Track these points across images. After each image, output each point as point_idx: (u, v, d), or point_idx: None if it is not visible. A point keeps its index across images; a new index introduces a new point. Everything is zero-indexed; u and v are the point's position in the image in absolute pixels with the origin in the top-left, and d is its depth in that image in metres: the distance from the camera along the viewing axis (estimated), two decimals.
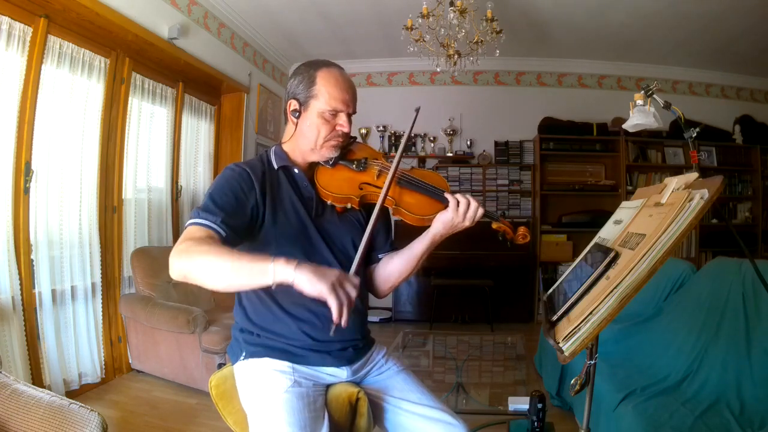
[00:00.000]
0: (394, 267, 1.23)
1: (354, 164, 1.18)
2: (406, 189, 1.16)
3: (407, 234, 1.24)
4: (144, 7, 2.86)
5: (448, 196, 1.12)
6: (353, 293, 0.90)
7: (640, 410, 1.63)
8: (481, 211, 1.12)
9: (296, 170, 1.19)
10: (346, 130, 1.16)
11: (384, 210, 1.19)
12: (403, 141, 1.16)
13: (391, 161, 1.16)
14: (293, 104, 1.16)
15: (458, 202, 1.11)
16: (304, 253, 1.13)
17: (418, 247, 1.18)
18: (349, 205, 1.16)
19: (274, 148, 1.22)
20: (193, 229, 0.98)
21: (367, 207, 1.20)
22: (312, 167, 1.20)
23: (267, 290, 1.14)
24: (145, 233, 3.22)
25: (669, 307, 2.30)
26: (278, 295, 1.13)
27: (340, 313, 0.87)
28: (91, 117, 2.73)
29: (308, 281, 0.86)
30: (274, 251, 0.99)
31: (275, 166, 1.18)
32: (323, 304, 1.13)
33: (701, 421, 1.56)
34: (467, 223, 1.12)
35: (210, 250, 0.92)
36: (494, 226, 1.18)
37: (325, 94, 1.12)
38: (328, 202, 1.16)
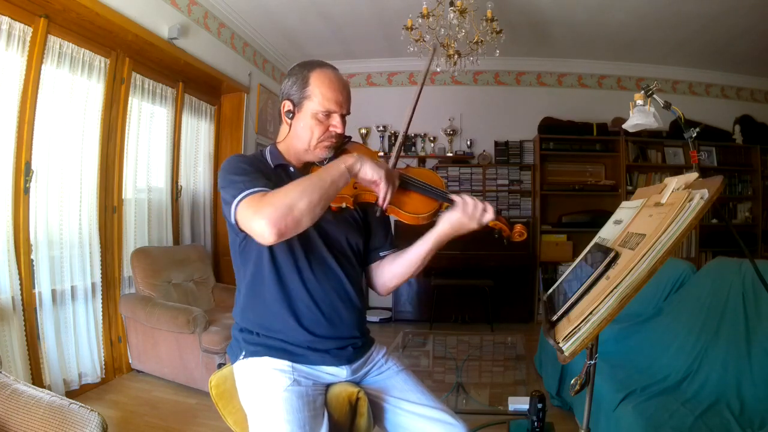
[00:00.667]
0: (398, 267, 1.23)
1: None
2: (400, 187, 1.15)
3: (406, 233, 1.23)
4: (144, 7, 2.86)
5: (455, 196, 1.12)
6: (397, 183, 1.09)
7: (640, 410, 1.63)
8: (491, 214, 1.11)
9: (292, 169, 1.19)
10: (339, 130, 1.16)
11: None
12: (414, 98, 1.16)
13: (386, 160, 1.17)
14: (287, 105, 1.16)
15: (466, 203, 1.10)
16: (303, 251, 1.13)
17: (422, 247, 1.18)
18: (344, 205, 1.16)
19: (269, 147, 1.22)
20: (245, 202, 0.95)
21: (362, 206, 1.20)
22: (307, 166, 1.21)
23: (266, 288, 1.14)
24: (145, 233, 3.22)
25: (669, 307, 2.30)
26: (276, 294, 1.13)
27: (385, 196, 1.04)
28: (91, 117, 2.73)
29: (371, 168, 1.02)
30: (274, 248, 1.09)
31: (271, 165, 1.18)
32: (320, 299, 1.13)
33: (701, 421, 1.56)
34: (474, 225, 1.11)
35: (290, 188, 0.94)
36: (491, 224, 1.18)
37: (318, 95, 1.12)
38: None
